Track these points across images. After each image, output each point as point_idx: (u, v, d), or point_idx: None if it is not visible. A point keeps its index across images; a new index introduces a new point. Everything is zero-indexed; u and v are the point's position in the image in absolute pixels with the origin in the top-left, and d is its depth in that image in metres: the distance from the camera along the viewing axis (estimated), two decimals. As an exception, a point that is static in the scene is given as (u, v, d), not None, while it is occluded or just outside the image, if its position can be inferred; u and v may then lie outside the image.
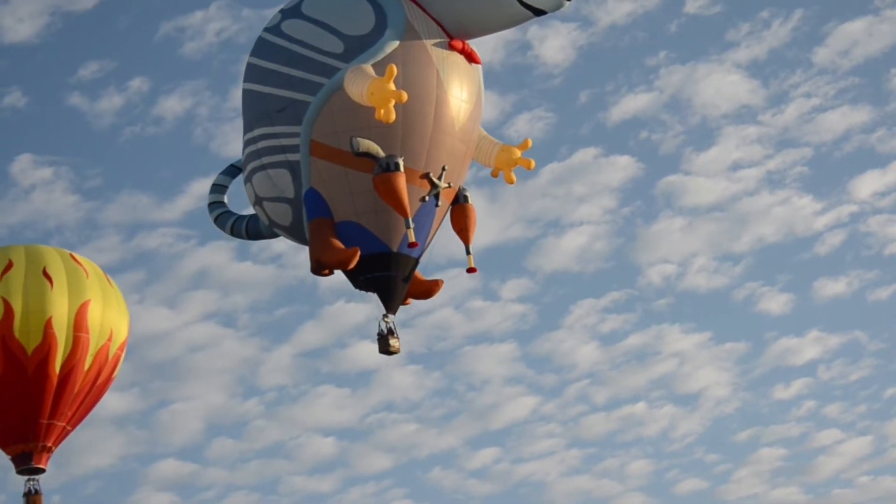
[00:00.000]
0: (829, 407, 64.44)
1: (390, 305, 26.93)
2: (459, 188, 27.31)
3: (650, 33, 69.41)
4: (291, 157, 26.19)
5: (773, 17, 67.41)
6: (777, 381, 65.13)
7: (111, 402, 61.69)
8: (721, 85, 66.73)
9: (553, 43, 67.88)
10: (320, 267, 26.12)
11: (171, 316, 65.45)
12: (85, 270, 35.83)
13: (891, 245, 65.63)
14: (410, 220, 25.68)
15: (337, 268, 26.18)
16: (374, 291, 26.86)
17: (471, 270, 27.33)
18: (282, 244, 65.15)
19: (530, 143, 27.79)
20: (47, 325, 34.54)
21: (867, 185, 65.89)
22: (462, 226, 27.25)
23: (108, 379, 36.40)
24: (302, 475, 64.05)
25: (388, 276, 26.61)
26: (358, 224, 26.16)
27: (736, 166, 66.23)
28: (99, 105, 68.79)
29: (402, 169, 25.50)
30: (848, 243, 66.20)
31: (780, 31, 67.09)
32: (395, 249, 26.45)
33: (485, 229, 63.23)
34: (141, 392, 64.73)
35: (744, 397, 64.74)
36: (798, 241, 66.64)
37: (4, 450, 35.62)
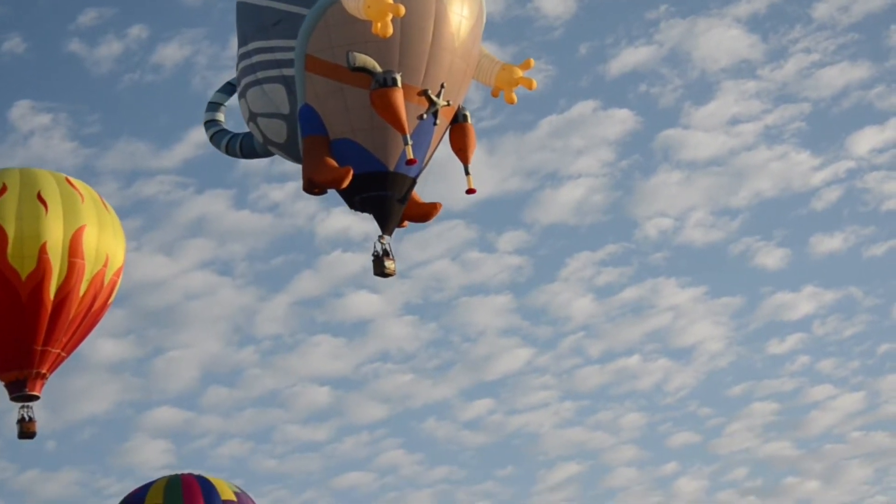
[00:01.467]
0: (823, 362, 64.69)
1: (386, 226, 26.29)
2: (459, 107, 26.62)
3: None
4: (286, 71, 25.52)
5: None
6: (771, 336, 65.40)
7: (106, 349, 62.68)
8: (721, 39, 66.57)
9: None
10: (312, 186, 25.48)
11: (167, 263, 65.28)
12: (80, 195, 35.16)
13: (887, 201, 65.59)
14: (408, 136, 25.02)
15: (329, 187, 25.54)
16: (369, 211, 26.23)
17: (470, 191, 26.66)
18: (279, 192, 64.05)
19: (533, 62, 27.10)
20: (42, 251, 33.88)
21: (865, 141, 65.83)
22: (461, 145, 26.58)
23: (104, 305, 35.83)
24: (296, 424, 64.44)
25: (384, 195, 25.96)
26: (353, 142, 25.50)
27: (734, 121, 66.15)
28: (98, 52, 68.45)
29: (399, 84, 24.81)
30: (845, 199, 66.26)
31: None
32: (391, 168, 25.79)
33: (482, 181, 62.50)
34: (137, 339, 64.91)
35: (738, 351, 65.10)
36: (795, 196, 66.72)
37: (-2, 376, 35.14)
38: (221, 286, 65.45)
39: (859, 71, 65.89)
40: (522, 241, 66.08)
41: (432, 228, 64.09)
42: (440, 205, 27.17)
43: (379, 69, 24.83)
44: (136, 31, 68.13)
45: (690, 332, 64.57)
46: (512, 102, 27.03)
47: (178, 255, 65.41)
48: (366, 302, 65.16)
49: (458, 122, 26.63)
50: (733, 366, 64.93)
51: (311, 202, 65.61)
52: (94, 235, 34.85)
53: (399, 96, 24.78)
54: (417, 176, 26.42)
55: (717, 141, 65.79)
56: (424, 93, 25.56)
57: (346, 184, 25.17)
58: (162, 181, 66.37)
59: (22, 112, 67.32)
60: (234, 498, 36.48)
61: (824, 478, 63.13)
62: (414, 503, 63.94)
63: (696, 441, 63.89)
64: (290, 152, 26.31)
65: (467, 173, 26.60)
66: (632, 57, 67.06)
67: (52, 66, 70.38)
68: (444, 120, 26.19)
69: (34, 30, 70.18)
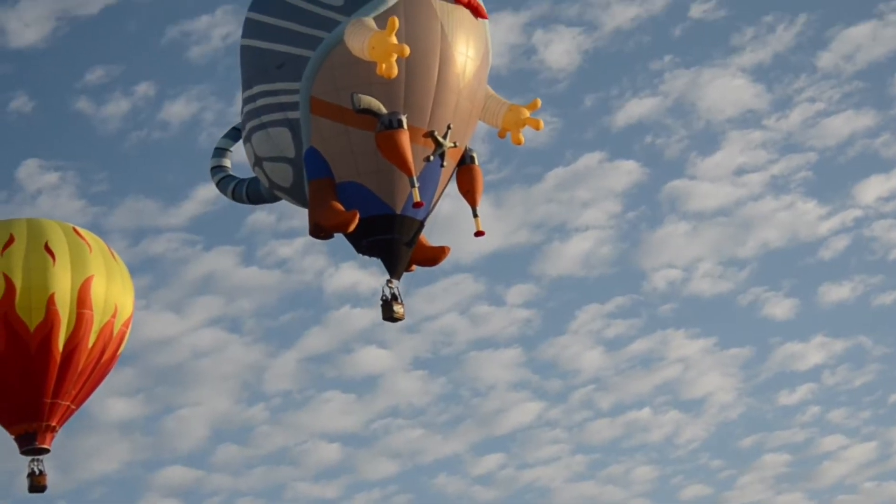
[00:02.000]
0: (834, 412, 64.28)
1: (394, 270, 25.97)
2: (465, 148, 26.37)
3: (655, 38, 69.02)
4: (291, 114, 25.30)
5: (778, 22, 67.17)
6: (782, 387, 65.22)
7: (116, 407, 62.38)
8: (726, 89, 66.60)
9: (558, 47, 67.57)
10: (318, 230, 25.22)
11: (176, 321, 64.99)
12: (88, 245, 34.96)
13: (895, 250, 65.42)
14: (415, 178, 24.76)
15: (336, 231, 25.28)
16: (376, 255, 25.94)
17: (479, 234, 26.38)
18: (287, 248, 63.90)
19: (539, 102, 26.85)
20: (50, 302, 33.66)
21: (871, 189, 65.71)
22: (468, 187, 26.31)
23: (113, 356, 35.55)
24: (307, 481, 63.74)
25: (392, 238, 25.67)
26: (360, 184, 25.23)
27: (740, 171, 66.08)
28: (105, 110, 68.40)
29: (405, 126, 24.57)
30: (852, 248, 66.03)
31: (784, 35, 66.84)
32: (398, 211, 25.50)
33: (490, 234, 61.72)
34: (146, 398, 64.57)
35: (748, 403, 64.76)
36: (802, 245, 66.59)
37: (8, 430, 34.79)
38: (230, 343, 65.39)
39: (864, 119, 65.90)
40: (531, 295, 66.00)
41: (440, 282, 64.89)
42: (448, 248, 26.87)
43: (384, 111, 24.60)
44: (143, 89, 68.25)
45: (700, 383, 64.49)
46: (519, 143, 26.80)
47: (187, 313, 65.31)
48: (375, 357, 65.12)
49: (465, 164, 26.37)
50: (744, 417, 64.77)
51: (320, 258, 65.65)
52: (102, 286, 34.61)
53: (405, 138, 24.54)
54: (425, 219, 26.14)
55: (723, 191, 65.86)
56: (430, 134, 25.32)
57: (352, 227, 24.89)
58: (170, 238, 66.21)
59: (30, 171, 67.39)
60: None
61: None
62: (427, 559, 64.29)
63: (708, 494, 63.36)
64: (297, 196, 26.06)
65: (475, 215, 26.33)
66: (637, 108, 67.13)
67: (59, 125, 70.75)
68: (451, 161, 25.93)
69: (41, 88, 70.42)
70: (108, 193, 68.53)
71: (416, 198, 24.79)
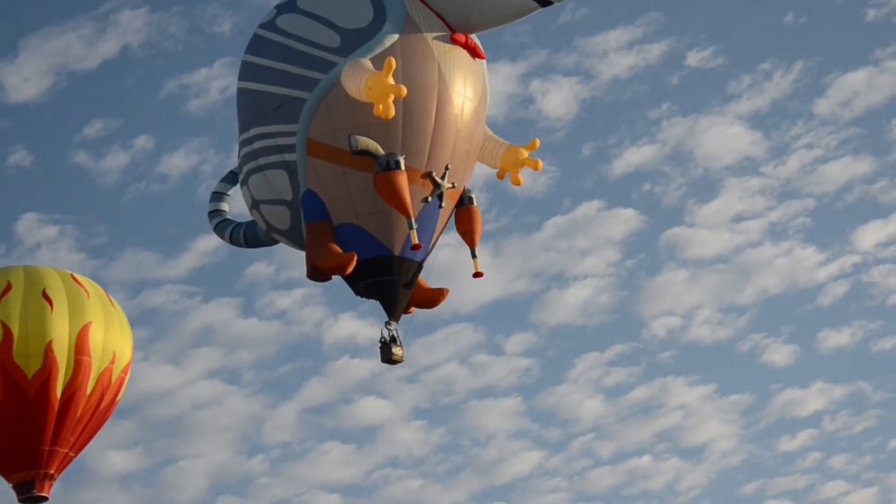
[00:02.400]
0: (835, 458, 63.84)
1: (393, 312, 25.76)
2: (464, 189, 26.23)
3: (652, 86, 69.11)
4: (288, 157, 25.17)
5: (774, 69, 67.43)
6: (782, 433, 64.90)
7: (115, 461, 62.20)
8: (723, 137, 66.63)
9: (555, 97, 67.56)
10: (316, 272, 25.03)
11: (175, 373, 64.89)
12: (86, 291, 34.77)
13: (894, 295, 65.21)
14: (413, 220, 24.60)
15: (334, 273, 25.07)
16: (375, 298, 25.75)
17: (477, 275, 26.22)
18: (286, 300, 63.78)
19: (538, 142, 26.72)
20: (48, 349, 33.45)
21: (870, 235, 65.67)
22: (467, 228, 26.17)
23: (112, 403, 35.29)
24: None
25: (390, 280, 25.48)
26: (357, 226, 25.08)
27: (739, 218, 65.99)
28: (104, 163, 68.38)
29: (402, 167, 24.44)
30: (851, 294, 65.91)
31: (781, 82, 67.10)
32: (396, 252, 25.33)
33: (489, 284, 63.46)
34: (145, 450, 64.14)
35: (749, 449, 64.35)
36: (801, 292, 66.46)
37: (6, 477, 34.46)
38: (229, 395, 65.24)
39: (862, 165, 65.95)
40: (530, 343, 65.75)
41: (439, 332, 64.74)
42: (447, 290, 26.69)
43: (382, 152, 24.47)
44: (142, 142, 68.26)
45: (701, 430, 64.30)
46: (518, 184, 26.67)
47: (186, 365, 65.20)
48: (374, 408, 64.92)
49: (463, 205, 26.23)
50: (745, 464, 64.20)
51: (319, 309, 65.77)
52: (100, 332, 34.41)
53: (403, 180, 24.41)
54: (423, 260, 25.97)
55: (722, 238, 65.78)
56: (429, 175, 25.19)
57: (350, 270, 24.71)
58: (169, 290, 65.98)
59: (28, 225, 67.39)
60: None
61: None
62: None
63: None
64: (294, 239, 25.89)
65: (474, 256, 26.19)
66: (635, 156, 67.10)
67: (58, 179, 70.84)
68: (449, 202, 25.79)
69: (40, 142, 70.42)
70: (107, 246, 68.58)
71: (415, 239, 24.64)
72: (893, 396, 64.92)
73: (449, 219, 26.20)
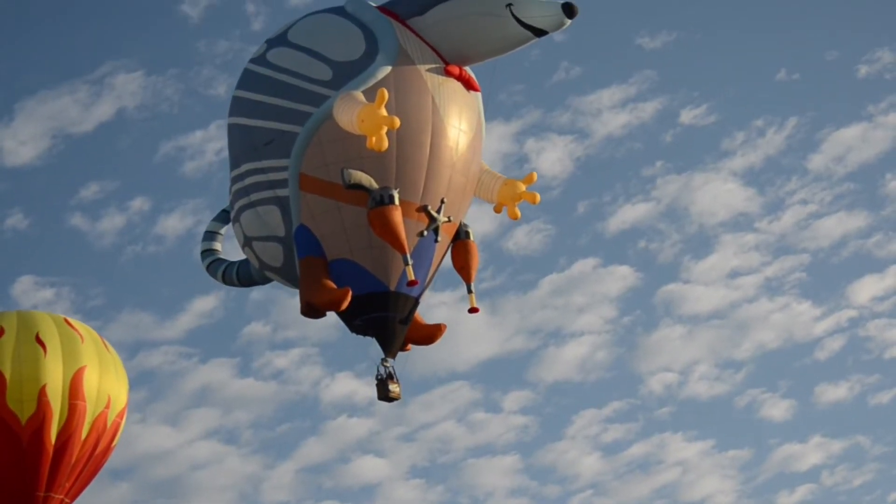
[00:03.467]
0: None
1: (389, 348, 25.32)
2: (460, 223, 25.81)
3: (646, 144, 69.30)
4: (280, 192, 24.79)
5: (768, 126, 67.80)
6: (781, 488, 64.50)
7: None
8: (717, 193, 66.93)
9: (550, 155, 67.83)
10: (310, 309, 24.58)
11: (172, 434, 64.67)
12: (80, 335, 34.25)
13: (890, 349, 65.01)
14: (408, 256, 24.18)
15: (328, 309, 24.65)
16: (371, 335, 25.29)
17: (472, 310, 25.75)
18: (283, 360, 63.40)
19: (535, 176, 26.34)
20: (41, 394, 32.87)
21: (865, 289, 65.77)
22: (463, 263, 25.71)
23: (108, 448, 34.68)
24: None
25: (386, 316, 25.03)
26: (352, 261, 24.66)
27: (734, 273, 66.18)
28: (100, 225, 68.25)
29: (397, 202, 24.05)
30: (848, 348, 65.84)
31: (774, 138, 67.38)
32: (392, 288, 24.90)
33: (485, 342, 64.28)
34: None
35: None
36: (798, 346, 66.48)
37: (-1, 525, 33.88)
38: (227, 455, 64.74)
39: (856, 220, 66.12)
40: (528, 401, 65.64)
41: (437, 390, 64.93)
42: (444, 326, 26.21)
43: (375, 185, 24.10)
44: (138, 204, 68.09)
45: (699, 486, 63.92)
46: (515, 218, 26.27)
47: (183, 426, 64.97)
48: (372, 466, 64.44)
49: (460, 239, 25.81)
50: None
51: (315, 368, 65.98)
52: (95, 376, 33.84)
53: (397, 215, 24.00)
54: (420, 295, 25.52)
55: (717, 294, 65.94)
56: (424, 209, 24.79)
57: (345, 305, 24.27)
58: (166, 351, 65.87)
59: (24, 287, 67.15)
60: None
61: None
62: None
63: None
64: (288, 276, 25.46)
65: (470, 292, 25.74)
66: (630, 213, 67.22)
67: (54, 241, 70.56)
68: (445, 237, 25.36)
69: (36, 205, 70.26)
70: (103, 308, 68.34)
71: (410, 276, 24.22)
72: (892, 450, 65.14)
73: (445, 254, 25.76)
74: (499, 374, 67.11)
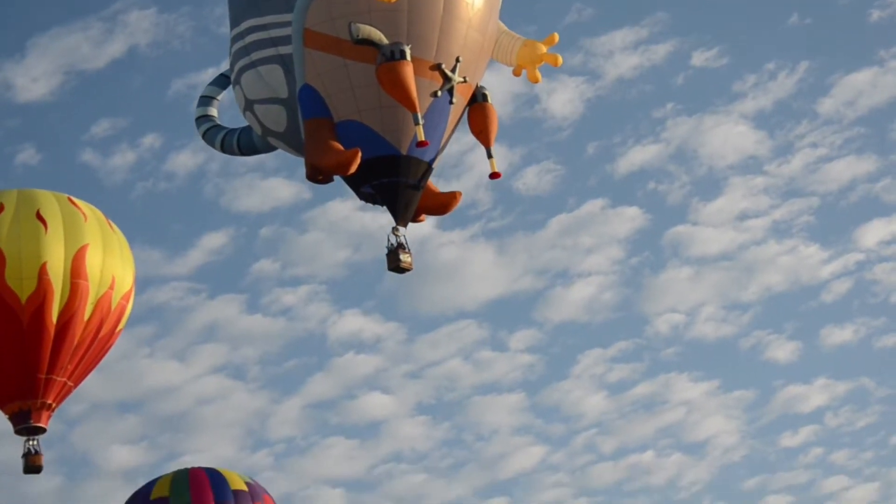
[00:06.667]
0: (837, 454, 64.15)
1: (400, 216, 23.81)
2: (477, 86, 24.23)
3: (657, 86, 69.24)
4: (283, 49, 23.20)
5: (779, 69, 67.32)
6: (785, 429, 65.24)
7: (120, 455, 62.60)
8: (727, 136, 66.78)
9: (561, 96, 67.65)
10: (316, 173, 23.08)
11: (180, 369, 65.00)
12: (83, 214, 32.96)
13: None
14: (420, 115, 22.63)
15: (335, 173, 23.15)
16: (380, 202, 23.82)
17: (494, 175, 24.23)
18: (291, 297, 63.44)
19: (557, 37, 24.67)
20: (42, 272, 31.62)
21: (873, 233, 65.92)
22: (481, 127, 24.12)
23: (112, 331, 33.51)
24: None
25: (397, 181, 23.52)
26: (360, 123, 23.13)
27: (743, 216, 66.20)
28: (111, 162, 68.56)
29: (408, 57, 22.45)
30: (854, 291, 66.00)
31: (786, 82, 66.97)
32: (403, 152, 23.36)
33: (493, 281, 64.67)
34: (150, 445, 64.48)
35: (751, 445, 64.68)
36: (805, 289, 66.63)
37: (1, 408, 32.79)
38: (234, 390, 65.47)
39: (866, 164, 66.06)
40: (534, 340, 66.19)
41: (444, 328, 65.30)
42: (460, 194, 24.69)
43: (385, 41, 22.48)
44: (149, 141, 68.43)
45: (703, 426, 64.74)
46: (536, 81, 24.64)
47: (191, 361, 65.33)
48: (378, 403, 65.16)
49: (477, 102, 24.22)
50: (747, 459, 64.58)
51: (323, 305, 65.89)
52: (98, 256, 32.57)
53: (408, 70, 22.41)
54: (433, 161, 24.00)
55: (725, 236, 65.97)
56: (438, 67, 23.20)
57: (353, 169, 22.74)
58: (175, 287, 66.22)
59: (37, 224, 67.21)
60: (244, 488, 34.45)
61: None
62: None
63: None
64: (292, 142, 23.95)
65: (489, 157, 24.18)
66: (639, 155, 67.18)
67: (65, 177, 71.12)
68: (461, 99, 23.78)
69: (48, 141, 70.44)
70: (113, 243, 68.86)
71: (420, 136, 22.69)
72: (895, 392, 65.50)
73: (461, 117, 24.22)
74: (506, 313, 67.65)
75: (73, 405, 57.02)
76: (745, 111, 66.82)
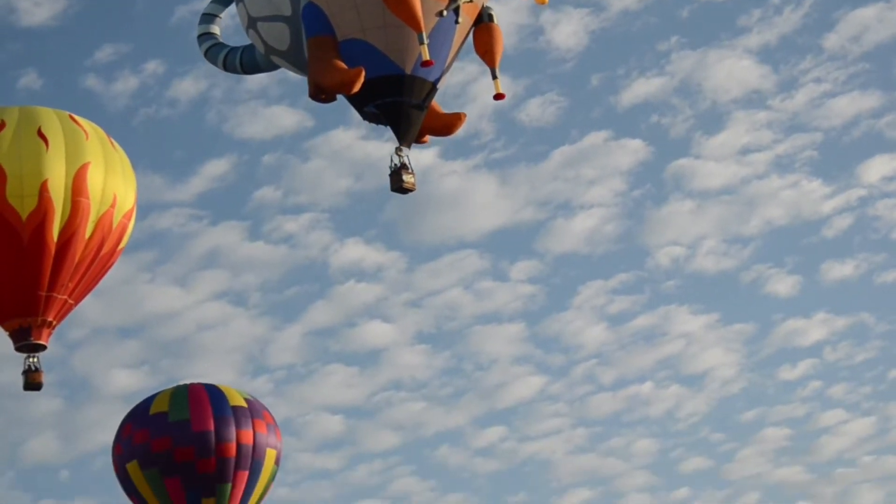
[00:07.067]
0: (835, 388, 64.85)
1: (404, 136, 23.61)
2: (483, 6, 23.95)
3: (662, 19, 69.46)
4: (287, -34, 22.97)
5: (785, 4, 67.34)
6: (783, 362, 65.85)
7: (120, 379, 63.62)
8: (732, 70, 66.92)
9: (565, 28, 67.91)
10: (319, 91, 22.82)
11: (181, 295, 65.51)
12: (85, 131, 32.74)
13: None
14: (424, 35, 22.36)
15: (338, 91, 22.89)
16: (384, 122, 23.60)
17: (498, 96, 23.97)
18: (293, 224, 63.72)
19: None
20: (43, 189, 31.45)
21: (875, 169, 66.02)
22: (487, 48, 23.83)
23: (114, 250, 33.38)
24: (309, 452, 64.32)
25: (401, 101, 23.30)
26: (364, 42, 22.87)
27: (746, 150, 66.26)
28: (114, 87, 68.93)
29: None
30: (855, 227, 66.29)
31: (791, 17, 66.90)
32: (408, 71, 23.14)
33: (495, 211, 65.29)
34: (150, 370, 65.00)
35: (750, 378, 65.21)
36: (806, 224, 66.92)
37: (2, 325, 32.75)
38: (235, 317, 65.88)
39: (870, 100, 65.95)
40: (535, 271, 66.52)
41: (445, 258, 65.56)
42: (464, 115, 24.50)
43: (390, -41, 22.20)
44: (152, 67, 68.54)
45: (702, 358, 65.07)
46: (543, 2, 24.31)
47: (193, 287, 65.58)
48: (379, 331, 65.38)
49: (482, 22, 23.93)
50: (745, 392, 65.27)
51: (325, 233, 65.62)
52: (99, 174, 32.39)
53: (413, -11, 22.16)
54: (438, 81, 23.77)
55: (728, 170, 66.09)
56: (442, -14, 22.95)
57: (357, 88, 22.49)
58: (177, 214, 66.65)
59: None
60: (244, 404, 34.52)
61: (836, 502, 63.20)
62: (428, 529, 64.28)
63: (709, 467, 64.23)
64: (295, 60, 23.73)
65: (494, 77, 23.90)
66: (643, 88, 67.40)
67: (68, 102, 72.35)
68: (466, 19, 23.50)
69: (51, 66, 70.67)
70: (116, 168, 68.36)
71: (425, 56, 22.40)
72: (894, 328, 65.92)
73: (466, 37, 23.96)
74: (507, 243, 68.26)
75: (73, 329, 57.34)
76: (749, 45, 66.91)
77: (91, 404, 64.17)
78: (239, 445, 33.71)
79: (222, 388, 34.61)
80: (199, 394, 34.29)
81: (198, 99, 68.62)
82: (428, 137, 24.47)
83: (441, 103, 24.41)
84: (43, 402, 64.93)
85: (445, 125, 24.31)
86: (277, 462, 35.00)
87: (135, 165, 33.79)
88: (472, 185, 65.79)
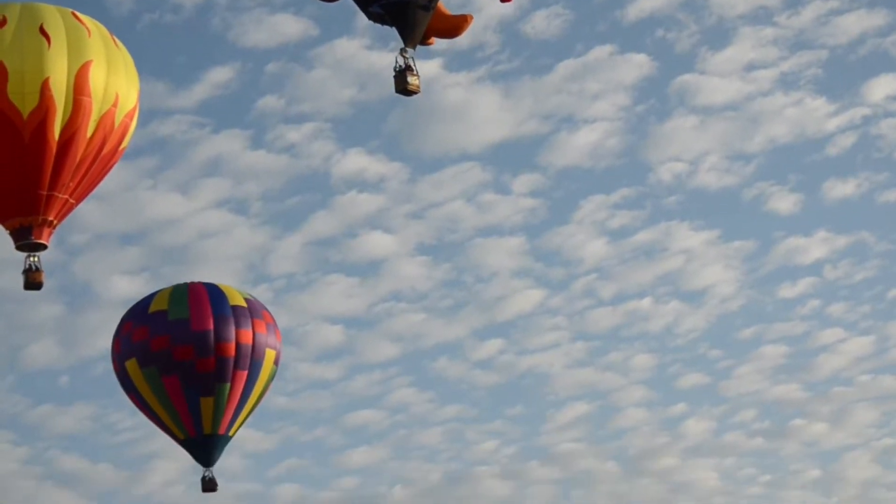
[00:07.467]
0: (833, 306, 64.96)
1: (409, 37, 23.49)
2: None
3: None
4: None
5: None
6: (783, 280, 65.83)
7: (120, 285, 63.87)
8: None
9: None
10: None
11: (183, 202, 65.53)
12: (87, 29, 32.43)
13: None
14: (431, -66, 22.18)
15: (344, -10, 22.79)
16: (389, 23, 23.40)
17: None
18: (295, 133, 64.05)
19: None
20: (44, 87, 31.20)
21: (880, 88, 65.90)
22: None
23: (115, 150, 33.21)
24: (309, 362, 64.85)
25: (407, 1, 23.12)
26: (371, -60, 22.69)
27: (750, 67, 66.12)
28: None
29: None
30: (859, 145, 66.06)
31: None
32: (413, -29, 22.99)
33: (498, 124, 64.95)
34: (151, 276, 64.98)
35: (749, 295, 65.44)
36: (809, 142, 66.61)
37: (2, 224, 32.63)
38: (236, 225, 65.97)
39: (876, 19, 65.62)
40: (537, 184, 66.56)
41: (447, 170, 65.42)
42: (471, 17, 24.31)
43: None
44: None
45: (702, 275, 65.24)
46: None
47: (194, 194, 65.61)
48: (379, 242, 65.40)
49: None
50: (744, 309, 65.40)
51: (328, 143, 65.18)
52: (101, 72, 32.13)
53: None
54: (444, -19, 23.60)
55: (732, 87, 65.89)
56: None
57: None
58: (179, 121, 66.47)
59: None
60: (244, 304, 34.53)
61: (831, 420, 63.63)
62: (424, 441, 64.84)
63: (706, 383, 64.58)
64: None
65: None
66: (649, 2, 67.02)
67: (70, 5, 69.70)
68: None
69: None
70: (117, 73, 67.78)
71: None
72: (895, 247, 66.15)
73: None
74: (510, 156, 68.49)
75: (74, 235, 57.31)
76: (757, -40, 65.82)
77: (91, 310, 64.41)
78: (238, 345, 33.74)
79: (222, 288, 34.56)
80: (199, 292, 34.25)
81: (202, 5, 68.72)
82: (434, 39, 24.28)
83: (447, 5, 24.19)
84: (43, 307, 65.12)
85: (452, 26, 24.14)
86: (277, 362, 35.07)
87: (138, 70, 33.54)
88: (476, 97, 65.57)
